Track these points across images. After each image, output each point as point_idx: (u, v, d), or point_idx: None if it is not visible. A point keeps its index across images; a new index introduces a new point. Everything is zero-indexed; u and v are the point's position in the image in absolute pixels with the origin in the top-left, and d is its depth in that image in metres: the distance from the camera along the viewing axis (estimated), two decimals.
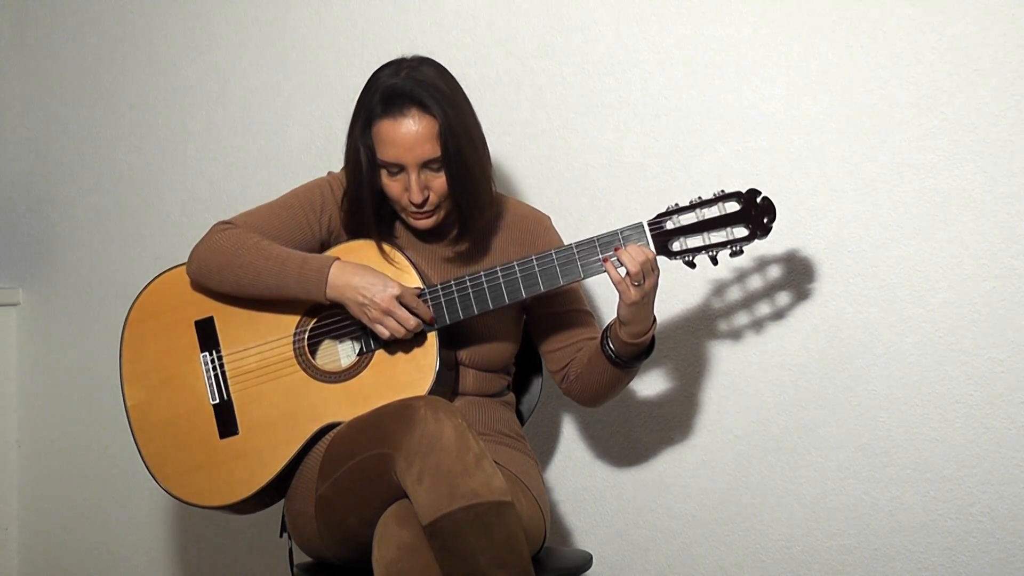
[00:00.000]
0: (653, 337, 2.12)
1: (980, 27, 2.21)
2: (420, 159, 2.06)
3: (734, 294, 2.42)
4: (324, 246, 2.20)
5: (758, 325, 2.41)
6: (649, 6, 2.51)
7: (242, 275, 2.11)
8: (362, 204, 2.13)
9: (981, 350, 2.23)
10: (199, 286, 2.19)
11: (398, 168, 2.08)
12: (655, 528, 2.53)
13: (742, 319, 2.42)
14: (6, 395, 3.34)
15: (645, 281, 2.01)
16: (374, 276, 2.06)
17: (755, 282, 2.40)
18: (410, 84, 2.06)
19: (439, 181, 2.09)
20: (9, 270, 3.39)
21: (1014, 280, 2.20)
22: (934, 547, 2.28)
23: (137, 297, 2.24)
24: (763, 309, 2.40)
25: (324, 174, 2.26)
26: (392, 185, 2.10)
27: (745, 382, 2.43)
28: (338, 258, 2.09)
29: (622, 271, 2.02)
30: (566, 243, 2.30)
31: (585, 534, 2.60)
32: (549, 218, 2.31)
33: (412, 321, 2.06)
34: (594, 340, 2.19)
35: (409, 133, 2.05)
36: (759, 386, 2.41)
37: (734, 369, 2.44)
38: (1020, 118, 2.19)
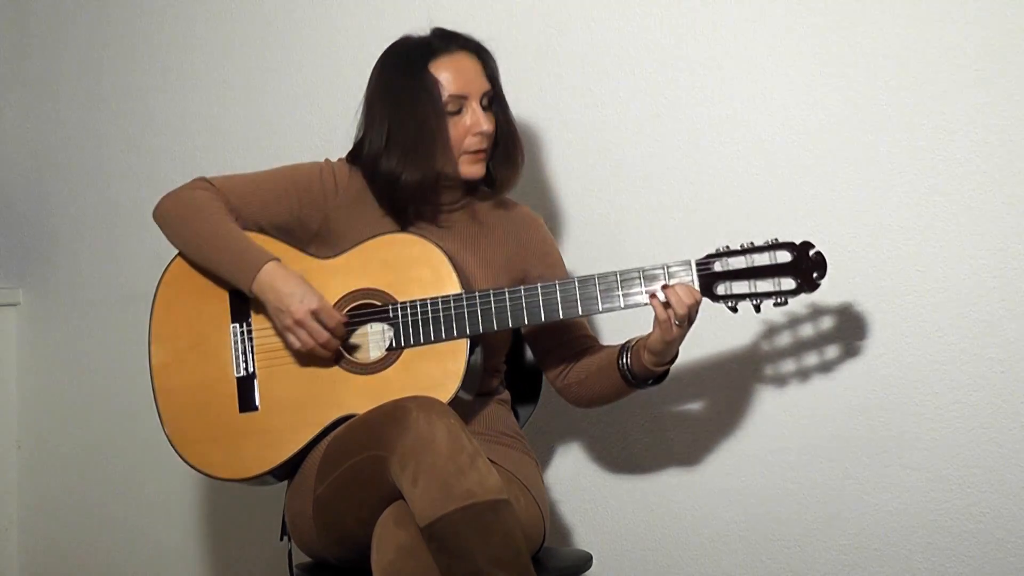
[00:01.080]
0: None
1: (981, 27, 2.21)
2: (481, 91, 2.14)
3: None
4: (303, 227, 2.19)
5: (756, 324, 2.40)
6: (651, 6, 2.51)
7: (190, 238, 2.13)
8: (434, 164, 2.13)
9: (981, 350, 2.23)
10: (163, 230, 2.20)
11: (458, 104, 2.12)
12: (655, 528, 2.52)
13: (738, 319, 2.42)
14: (6, 395, 3.34)
15: (688, 323, 2.02)
16: (297, 286, 2.06)
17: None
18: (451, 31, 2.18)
19: (493, 118, 2.16)
20: (9, 270, 3.39)
21: (1014, 280, 2.20)
22: (934, 547, 2.27)
23: (174, 258, 2.22)
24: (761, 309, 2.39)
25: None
26: (452, 128, 2.13)
27: (744, 382, 2.42)
28: (277, 259, 2.08)
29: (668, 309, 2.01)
30: (558, 243, 2.31)
31: (585, 534, 2.60)
32: (541, 218, 2.32)
33: (323, 335, 2.06)
34: (598, 346, 2.22)
35: (470, 64, 2.14)
36: (758, 387, 2.41)
37: (730, 369, 2.43)
38: (1020, 118, 2.19)
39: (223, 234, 2.10)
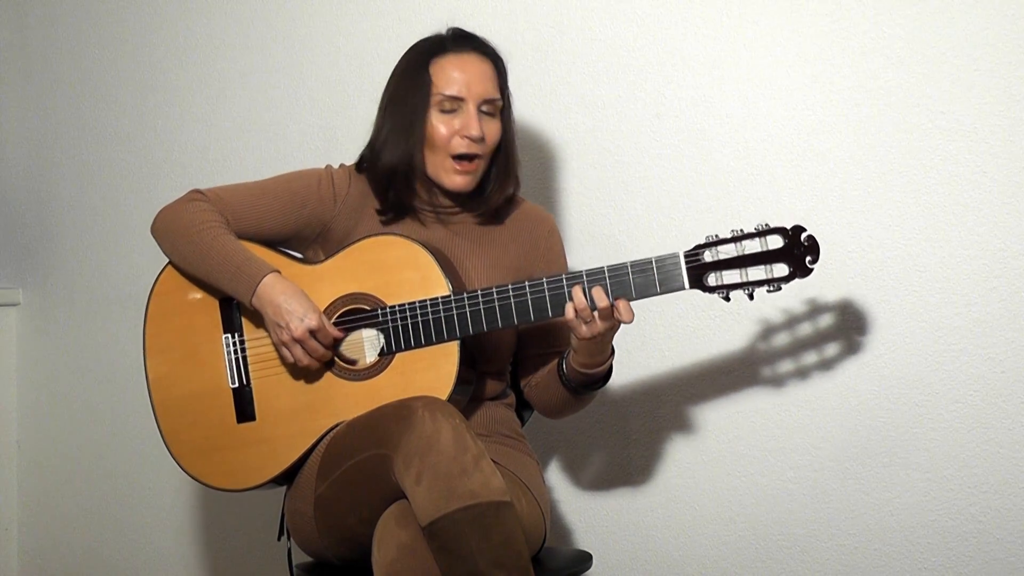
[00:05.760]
0: (609, 368, 2.08)
1: (980, 27, 2.21)
2: (482, 96, 2.09)
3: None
4: (299, 238, 2.18)
5: (756, 324, 2.41)
6: (649, 4, 2.51)
7: (189, 252, 2.11)
8: (410, 149, 2.10)
9: (981, 350, 2.23)
10: (160, 245, 2.19)
11: (455, 105, 2.08)
12: (655, 528, 2.52)
13: (737, 319, 2.42)
14: (6, 395, 3.35)
15: (596, 323, 1.95)
16: (298, 303, 2.04)
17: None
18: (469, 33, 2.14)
19: (494, 126, 2.11)
20: (9, 270, 3.39)
21: (1014, 280, 2.20)
22: (934, 547, 2.27)
23: (164, 268, 2.22)
24: (758, 307, 2.40)
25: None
26: (442, 126, 2.09)
27: (743, 383, 2.42)
28: (277, 270, 2.08)
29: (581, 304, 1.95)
30: (566, 245, 2.29)
31: (585, 534, 2.60)
32: (552, 218, 2.30)
33: (319, 352, 2.06)
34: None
35: (476, 68, 2.09)
36: (757, 388, 2.41)
37: (730, 369, 2.43)
38: (1020, 118, 2.19)
39: (220, 247, 2.09)
